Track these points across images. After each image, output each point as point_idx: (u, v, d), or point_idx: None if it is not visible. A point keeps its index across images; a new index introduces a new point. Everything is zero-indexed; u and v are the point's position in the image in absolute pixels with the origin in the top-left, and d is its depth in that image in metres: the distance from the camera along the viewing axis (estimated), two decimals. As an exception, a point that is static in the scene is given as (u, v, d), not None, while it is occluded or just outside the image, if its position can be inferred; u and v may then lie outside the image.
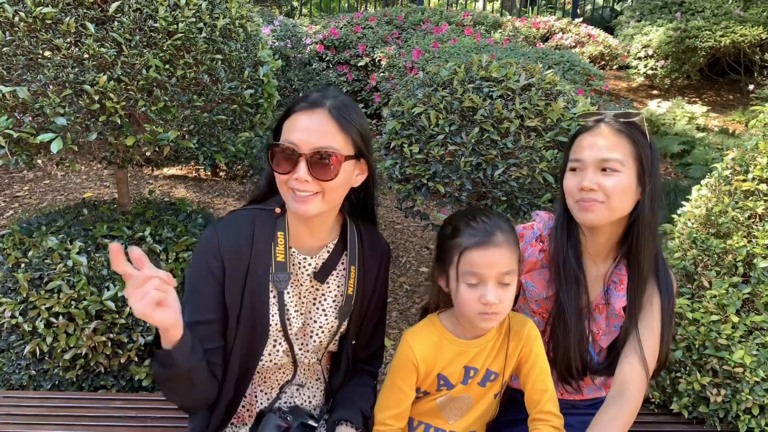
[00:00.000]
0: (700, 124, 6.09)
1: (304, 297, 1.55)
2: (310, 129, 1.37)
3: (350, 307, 1.57)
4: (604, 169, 1.51)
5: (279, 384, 1.60)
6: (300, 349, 1.56)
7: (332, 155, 1.36)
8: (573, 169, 1.57)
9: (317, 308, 1.56)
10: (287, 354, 1.54)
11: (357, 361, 1.69)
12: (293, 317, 1.52)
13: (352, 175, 1.45)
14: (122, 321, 2.20)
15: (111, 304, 2.17)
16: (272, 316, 1.48)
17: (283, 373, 1.59)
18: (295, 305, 1.53)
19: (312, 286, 1.55)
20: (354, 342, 1.64)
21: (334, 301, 1.56)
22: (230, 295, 1.44)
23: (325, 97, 1.40)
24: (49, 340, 2.18)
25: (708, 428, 1.98)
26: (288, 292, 1.50)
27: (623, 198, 1.52)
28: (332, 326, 1.57)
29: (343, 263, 1.57)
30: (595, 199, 1.51)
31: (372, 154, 1.50)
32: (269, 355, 1.52)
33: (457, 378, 1.53)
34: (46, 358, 2.24)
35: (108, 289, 2.21)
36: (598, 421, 1.46)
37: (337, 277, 1.56)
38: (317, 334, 1.55)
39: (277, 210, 1.51)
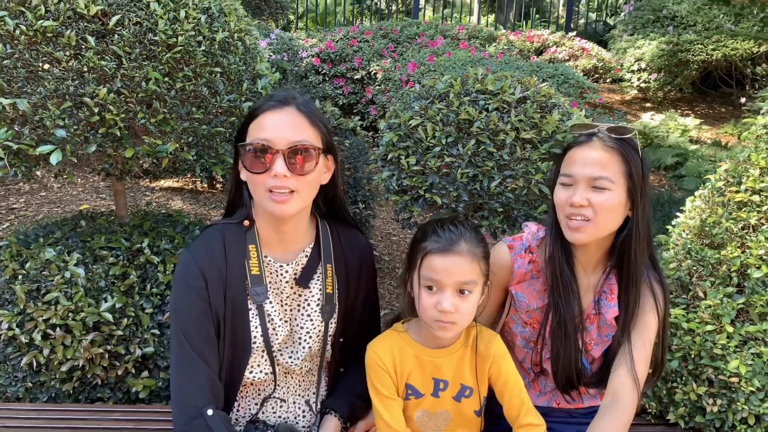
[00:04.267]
0: (693, 136, 6.15)
1: (287, 304, 1.54)
2: (283, 125, 1.37)
3: (332, 305, 1.55)
4: (594, 186, 1.52)
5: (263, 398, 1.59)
6: (290, 357, 1.55)
7: (309, 148, 1.37)
8: (564, 184, 1.58)
9: (302, 314, 1.55)
10: (271, 366, 1.53)
11: (351, 362, 1.67)
12: (278, 326, 1.51)
13: (322, 171, 1.46)
14: (119, 333, 2.20)
15: (108, 316, 2.17)
16: (255, 328, 1.47)
17: (270, 386, 1.59)
18: (279, 313, 1.52)
19: (294, 293, 1.55)
20: (342, 340, 1.61)
21: (317, 304, 1.55)
22: (214, 309, 1.44)
23: (291, 95, 1.42)
24: (46, 351, 2.17)
25: (704, 438, 1.99)
26: (270, 301, 1.50)
27: (610, 215, 1.53)
28: (319, 330, 1.55)
29: (321, 265, 1.56)
30: (584, 215, 1.52)
31: (335, 151, 1.51)
32: (258, 366, 1.51)
33: (426, 389, 1.52)
34: (42, 370, 2.23)
35: (105, 301, 2.21)
36: (593, 431, 1.47)
37: (318, 280, 1.56)
38: (305, 340, 1.55)
39: (245, 223, 1.49)
